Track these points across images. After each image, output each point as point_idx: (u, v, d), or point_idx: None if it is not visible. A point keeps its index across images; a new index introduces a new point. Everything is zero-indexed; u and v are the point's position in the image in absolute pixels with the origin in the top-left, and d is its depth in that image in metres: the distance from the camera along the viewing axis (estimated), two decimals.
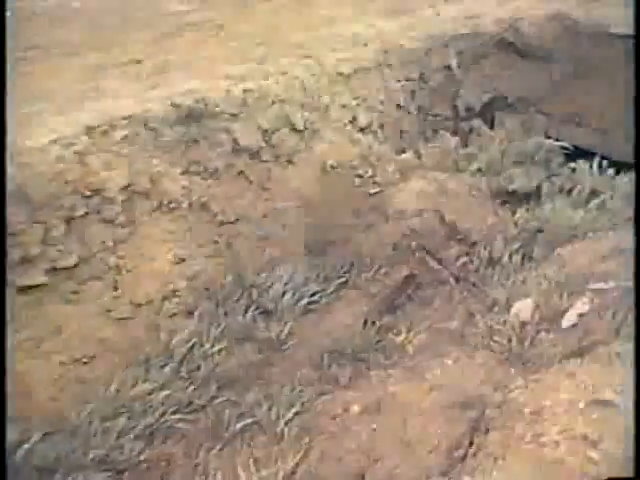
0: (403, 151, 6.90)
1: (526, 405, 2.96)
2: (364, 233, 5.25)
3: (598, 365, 3.09)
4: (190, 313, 4.33)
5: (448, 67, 7.51)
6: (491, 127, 8.03)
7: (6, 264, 3.75)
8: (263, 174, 5.35)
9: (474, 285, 4.84)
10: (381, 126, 6.80)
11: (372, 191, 5.60)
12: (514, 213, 5.79)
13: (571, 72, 7.80)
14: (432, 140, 7.29)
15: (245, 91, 5.43)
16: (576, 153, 6.86)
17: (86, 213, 4.29)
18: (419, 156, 6.80)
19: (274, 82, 5.72)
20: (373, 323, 4.48)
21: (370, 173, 5.73)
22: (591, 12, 7.92)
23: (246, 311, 4.41)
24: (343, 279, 4.84)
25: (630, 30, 7.23)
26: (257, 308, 4.47)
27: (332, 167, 5.63)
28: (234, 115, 5.29)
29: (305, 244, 5.11)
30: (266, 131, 5.47)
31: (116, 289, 4.28)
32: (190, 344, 4.08)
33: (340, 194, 5.50)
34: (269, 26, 7.25)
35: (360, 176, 5.67)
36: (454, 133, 7.65)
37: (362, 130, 6.48)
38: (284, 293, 4.54)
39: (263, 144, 5.42)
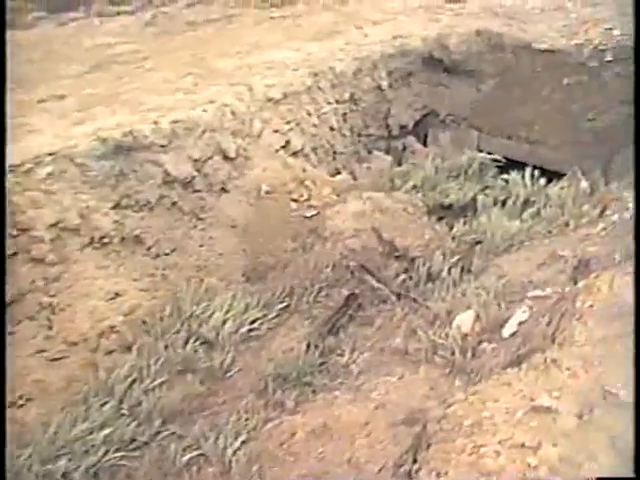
0: (338, 172, 7.15)
1: (466, 417, 3.04)
2: (303, 256, 5.37)
3: (535, 372, 3.18)
4: (128, 348, 4.35)
5: (379, 87, 7.83)
6: (424, 144, 8.43)
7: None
8: (197, 204, 5.44)
9: (415, 301, 4.97)
10: (314, 149, 7.02)
11: (308, 214, 5.75)
12: (451, 227, 6.04)
13: (499, 85, 8.25)
14: (366, 160, 7.57)
15: (174, 122, 5.54)
16: (508, 165, 7.24)
17: (15, 253, 4.29)
18: (354, 177, 7.05)
19: (203, 111, 5.84)
20: (316, 346, 4.56)
21: (305, 196, 5.89)
22: (514, 29, 8.39)
23: (186, 342, 4.46)
24: (284, 304, 4.93)
25: (551, 45, 7.80)
26: (197, 339, 4.52)
27: (267, 193, 5.76)
28: (164, 146, 5.37)
29: (244, 271, 5.21)
30: (197, 160, 5.57)
31: (50, 328, 4.28)
32: (130, 380, 4.09)
33: (276, 219, 5.64)
34: (196, 55, 7.40)
35: (296, 200, 5.82)
36: (388, 152, 7.99)
37: (295, 154, 6.66)
38: (224, 322, 4.61)
39: (195, 174, 5.52)
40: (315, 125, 7.09)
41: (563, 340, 3.38)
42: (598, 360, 3.12)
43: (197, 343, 4.52)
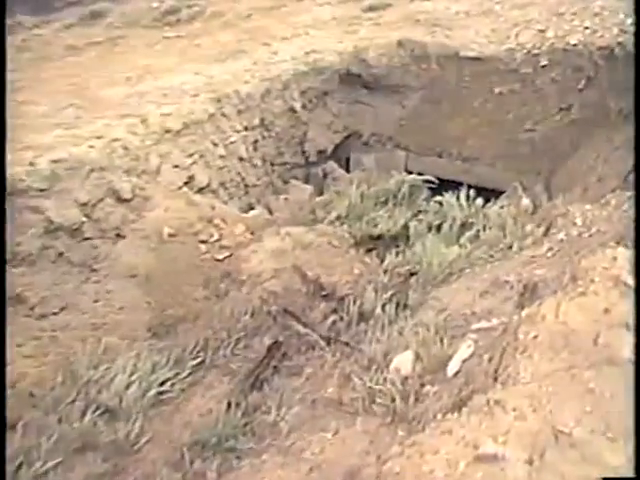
0: (252, 208, 7.29)
1: (403, 475, 3.04)
2: (217, 304, 5.41)
3: (478, 416, 3.20)
4: (12, 427, 4.26)
5: (291, 109, 8.10)
6: (347, 169, 8.68)
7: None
8: (88, 253, 5.43)
9: (347, 345, 5.04)
10: (223, 183, 7.16)
11: (220, 256, 5.81)
12: (382, 259, 6.19)
13: (425, 99, 8.63)
14: (283, 191, 7.74)
15: (54, 162, 5.54)
16: (441, 185, 7.54)
17: None
18: (270, 211, 7.18)
19: (89, 148, 5.88)
20: (238, 404, 4.58)
21: (216, 237, 5.96)
22: (439, 36, 8.80)
23: (84, 414, 4.40)
24: (198, 359, 4.95)
25: (480, 52, 8.23)
26: (97, 408, 4.46)
27: (170, 235, 5.79)
28: (43, 190, 5.37)
29: (149, 326, 5.20)
30: (86, 204, 5.59)
31: None
32: (16, 464, 4.01)
33: (184, 264, 5.67)
34: (78, 84, 7.44)
35: (204, 241, 5.87)
36: (307, 181, 8.19)
37: (201, 190, 6.78)
38: (128, 385, 4.57)
39: (84, 219, 5.54)
40: (222, 156, 7.24)
41: (507, 378, 3.43)
42: (546, 397, 3.17)
43: (97, 413, 4.45)
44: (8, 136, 5.46)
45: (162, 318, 5.32)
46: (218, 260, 5.80)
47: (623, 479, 2.71)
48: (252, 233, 6.24)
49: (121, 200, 5.84)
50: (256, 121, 7.67)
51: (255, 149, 7.72)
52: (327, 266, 5.84)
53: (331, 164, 8.56)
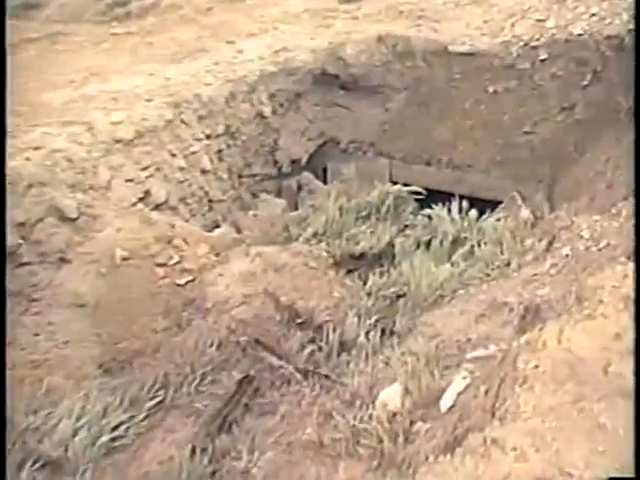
0: (217, 226, 7.29)
1: None
2: (179, 335, 5.37)
3: (473, 458, 3.17)
4: None
5: (260, 114, 8.12)
6: (324, 180, 8.71)
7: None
8: (26, 281, 5.37)
9: (327, 378, 5.02)
10: (183, 199, 7.16)
11: (182, 281, 5.76)
12: (365, 281, 6.22)
13: (410, 101, 8.69)
14: (252, 206, 7.75)
15: None
16: (430, 197, 7.61)
17: None
18: (238, 229, 7.16)
19: (25, 160, 5.81)
20: (204, 449, 4.53)
21: (176, 259, 5.91)
22: (425, 30, 8.85)
23: (21, 467, 4.32)
24: (157, 399, 4.90)
25: (471, 46, 8.29)
26: (37, 460, 4.39)
27: (124, 259, 5.73)
28: None
29: (100, 362, 5.13)
30: (23, 224, 5.52)
31: None
32: None
33: (140, 291, 5.61)
34: (14, 86, 7.34)
35: (163, 265, 5.82)
36: (279, 194, 8.20)
37: (159, 207, 6.76)
38: (75, 432, 4.52)
39: (20, 241, 5.47)
40: (182, 168, 7.23)
41: (505, 413, 3.40)
42: (551, 435, 3.13)
43: (37, 466, 4.38)
44: None
45: (115, 352, 5.26)
46: (179, 285, 5.75)
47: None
48: (217, 254, 6.20)
49: (65, 219, 5.78)
50: (220, 128, 7.67)
51: (220, 159, 7.71)
52: (303, 290, 5.85)
53: (306, 175, 8.60)
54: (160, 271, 5.81)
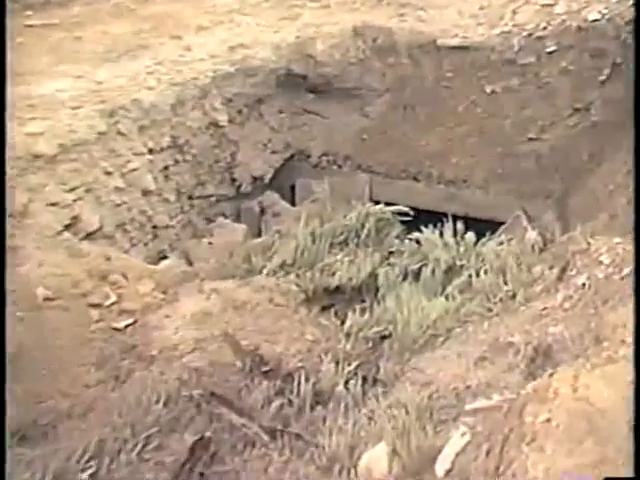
0: (163, 257, 7.29)
1: None
2: (117, 390, 5.27)
3: None
4: None
5: (215, 124, 8.13)
6: (292, 201, 8.72)
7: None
8: None
9: (299, 437, 4.95)
10: (121, 225, 7.10)
11: (120, 325, 5.69)
12: (343, 319, 6.21)
13: (394, 105, 8.77)
14: (207, 233, 7.73)
15: None
16: (419, 217, 7.63)
17: None
18: (189, 260, 7.12)
19: None
20: None
21: (113, 298, 5.85)
22: (410, 20, 8.94)
23: None
24: (90, 470, 4.79)
25: (465, 39, 8.33)
26: None
27: (48, 299, 5.65)
28: None
29: (17, 427, 4.99)
30: None
31: None
32: None
33: (68, 337, 5.49)
34: None
35: (97, 305, 5.75)
36: (239, 218, 8.19)
37: (90, 235, 6.69)
38: None
39: None
40: (118, 189, 7.18)
41: (512, 478, 3.39)
42: None
43: None
44: None
45: (35, 414, 5.14)
46: (117, 330, 5.66)
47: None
48: (164, 291, 6.16)
49: None
50: (165, 141, 7.67)
51: (166, 178, 7.71)
52: (269, 331, 5.82)
53: (270, 195, 8.65)
54: (93, 313, 5.72)
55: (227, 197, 8.43)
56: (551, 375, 3.90)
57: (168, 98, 7.69)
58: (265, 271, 6.85)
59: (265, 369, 5.50)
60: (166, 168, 7.71)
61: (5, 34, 6.36)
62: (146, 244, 7.37)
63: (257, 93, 8.51)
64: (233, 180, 8.43)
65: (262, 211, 8.48)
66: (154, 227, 7.52)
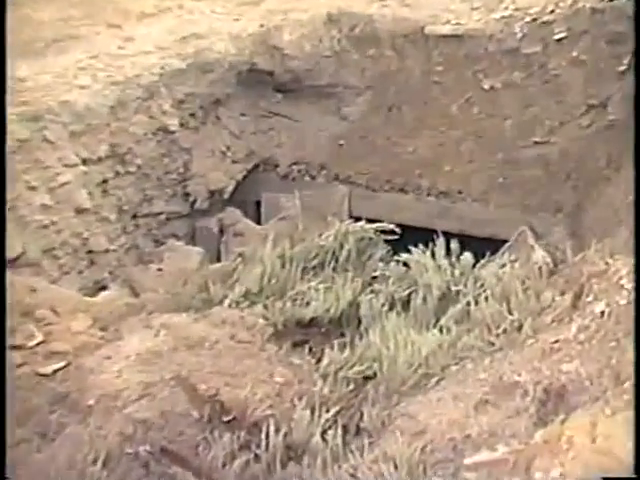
0: (103, 287, 7.24)
1: None
2: (44, 449, 5.18)
3: None
4: None
5: (163, 129, 8.10)
6: (258, 219, 8.74)
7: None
8: None
9: None
10: (49, 250, 7.05)
11: (49, 369, 5.63)
12: (320, 358, 6.20)
13: (376, 105, 8.78)
14: (155, 257, 7.70)
15: None
16: (407, 236, 7.60)
17: None
18: (134, 290, 7.07)
19: None
20: None
21: (40, 338, 5.82)
22: (394, 5, 8.95)
23: None
24: None
25: (458, 26, 8.34)
26: None
27: None
28: None
29: None
30: None
31: None
32: None
33: None
34: None
35: (20, 347, 5.72)
36: (193, 239, 8.16)
37: (11, 264, 6.61)
38: None
39: None
40: (46, 207, 7.12)
41: None
42: None
43: None
44: None
45: None
46: (44, 376, 5.60)
47: (623, 479, 3.12)
48: (104, 328, 6.14)
49: None
50: (103, 149, 7.61)
51: (104, 193, 7.66)
52: (231, 374, 5.78)
53: (231, 212, 8.66)
54: (16, 356, 5.67)
55: (179, 215, 8.43)
56: (565, 421, 3.95)
57: (106, 99, 7.64)
58: (226, 302, 6.83)
59: (227, 419, 5.47)
60: (104, 182, 7.66)
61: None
62: (81, 272, 7.31)
63: (214, 93, 8.50)
64: (186, 195, 8.42)
65: (222, 231, 8.48)
66: (90, 252, 7.47)
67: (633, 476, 3.08)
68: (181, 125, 8.23)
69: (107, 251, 7.61)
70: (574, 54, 7.86)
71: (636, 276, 4.09)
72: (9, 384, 5.35)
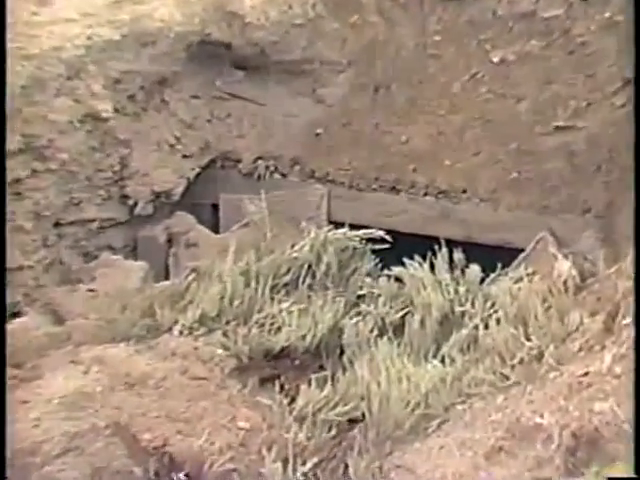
0: (16, 313, 7.16)
1: None
2: None
3: None
4: None
5: (94, 116, 8.01)
6: (216, 225, 8.76)
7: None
8: None
9: None
10: None
11: None
12: (294, 396, 6.18)
13: (359, 84, 8.79)
14: (85, 276, 7.66)
15: None
16: (399, 244, 7.60)
17: None
18: (59, 317, 7.06)
19: None
20: None
21: None
22: None
23: None
24: None
25: None
26: None
27: None
28: None
29: None
30: None
31: None
32: None
33: None
34: None
35: None
36: (134, 251, 8.16)
37: None
38: None
39: None
40: None
41: None
42: None
43: None
44: None
45: None
46: None
47: (624, 479, 3.06)
48: (18, 365, 6.12)
49: None
50: (15, 141, 7.49)
51: (17, 196, 7.58)
52: (183, 419, 5.77)
53: (182, 217, 8.64)
54: None
55: (115, 222, 8.36)
56: (599, 475, 3.98)
57: (17, 77, 7.54)
58: (176, 329, 6.81)
59: (178, 475, 5.41)
60: (17, 181, 7.56)
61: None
62: None
63: (158, 70, 8.43)
64: (124, 197, 8.34)
65: (170, 241, 8.45)
66: None
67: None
68: (116, 111, 8.12)
69: (21, 268, 7.55)
70: (606, 15, 7.82)
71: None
72: None
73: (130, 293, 7.40)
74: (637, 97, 6.63)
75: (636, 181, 5.67)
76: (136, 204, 8.38)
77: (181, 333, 6.77)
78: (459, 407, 5.79)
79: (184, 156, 8.71)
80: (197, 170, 8.84)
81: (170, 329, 6.84)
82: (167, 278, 7.88)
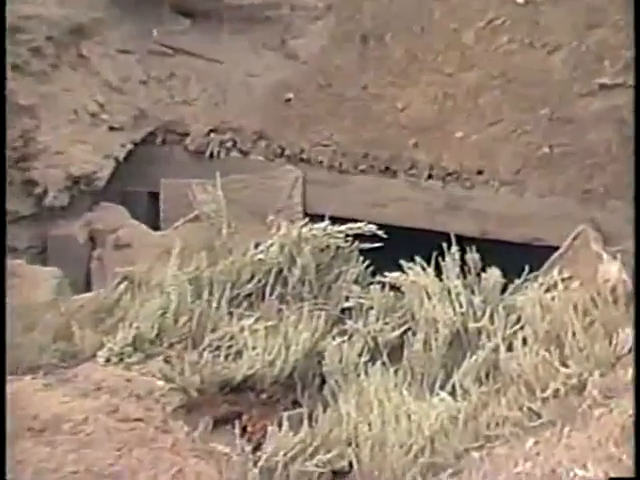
0: None
1: None
2: None
3: None
4: None
5: None
6: (155, 219, 8.76)
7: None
8: None
9: None
10: None
11: None
12: (259, 441, 6.14)
13: (341, 34, 8.87)
14: None
15: None
16: (396, 243, 7.53)
17: None
18: None
19: None
20: None
21: None
22: None
23: None
24: None
25: None
26: None
27: None
28: None
29: None
30: None
31: None
32: None
33: None
34: None
35: None
36: (44, 255, 8.09)
37: None
38: None
39: None
40: None
41: None
42: None
43: None
44: None
45: None
46: None
47: (624, 479, 4.20)
48: None
49: None
50: None
51: None
52: (110, 474, 5.71)
53: (108, 209, 8.65)
54: None
55: (19, 216, 8.35)
56: None
57: None
58: (102, 355, 6.80)
59: None
60: None
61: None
62: None
63: (72, 16, 8.44)
64: (30, 183, 8.33)
65: (93, 241, 8.43)
66: None
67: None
68: (16, 69, 8.11)
69: None
70: None
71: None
72: None
73: (38, 308, 7.38)
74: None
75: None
76: (46, 192, 8.33)
77: (108, 361, 6.77)
78: (475, 454, 5.78)
79: (111, 128, 8.72)
80: (129, 147, 8.84)
81: (93, 356, 6.86)
82: (89, 289, 7.91)
